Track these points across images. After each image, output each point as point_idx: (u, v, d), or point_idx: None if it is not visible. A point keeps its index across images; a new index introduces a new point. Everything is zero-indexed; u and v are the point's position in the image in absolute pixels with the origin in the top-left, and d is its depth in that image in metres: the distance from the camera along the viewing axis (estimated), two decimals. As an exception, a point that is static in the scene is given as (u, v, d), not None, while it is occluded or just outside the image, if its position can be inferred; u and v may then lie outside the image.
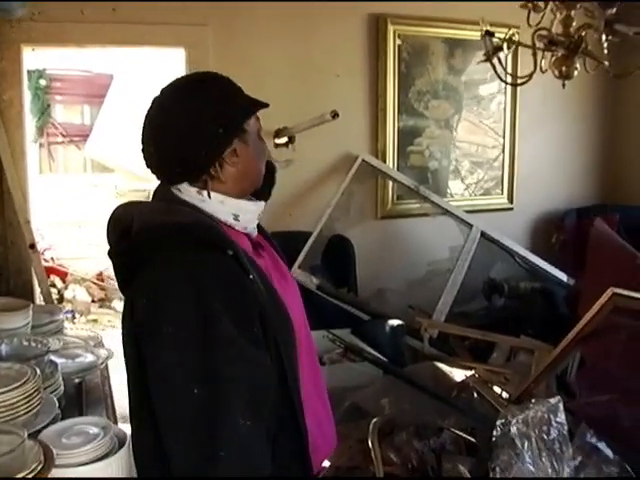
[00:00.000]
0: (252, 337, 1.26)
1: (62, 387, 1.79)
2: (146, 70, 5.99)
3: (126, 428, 1.53)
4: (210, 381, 1.19)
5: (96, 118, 7.63)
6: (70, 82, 8.01)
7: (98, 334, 2.29)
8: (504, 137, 4.06)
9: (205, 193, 1.37)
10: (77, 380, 1.92)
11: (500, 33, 2.55)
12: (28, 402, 1.49)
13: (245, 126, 1.38)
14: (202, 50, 3.31)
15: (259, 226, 1.52)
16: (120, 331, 1.36)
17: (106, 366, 2.11)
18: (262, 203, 1.46)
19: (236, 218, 1.40)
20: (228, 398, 1.20)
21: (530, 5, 2.40)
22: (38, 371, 1.58)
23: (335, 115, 2.93)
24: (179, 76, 1.46)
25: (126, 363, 1.33)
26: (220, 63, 3.28)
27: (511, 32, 2.45)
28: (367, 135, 3.69)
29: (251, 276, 1.27)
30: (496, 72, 2.53)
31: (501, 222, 3.91)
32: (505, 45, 2.42)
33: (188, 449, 1.18)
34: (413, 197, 3.69)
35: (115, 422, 1.81)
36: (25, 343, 1.80)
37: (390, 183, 3.71)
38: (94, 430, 1.56)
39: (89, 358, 2.01)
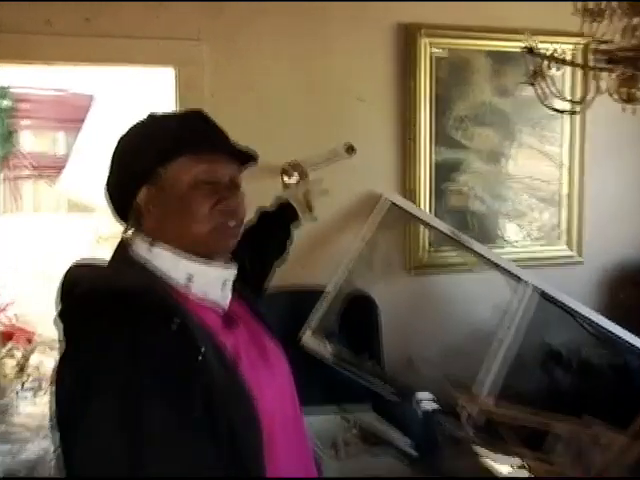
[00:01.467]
0: (192, 426, 1.30)
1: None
2: (132, 90, 6.13)
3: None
4: (132, 472, 1.23)
5: (72, 147, 7.77)
6: (41, 103, 8.05)
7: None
8: (569, 170, 4.08)
9: (155, 248, 1.48)
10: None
11: (560, 43, 2.59)
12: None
13: (161, 171, 1.50)
14: (195, 70, 3.43)
15: (238, 289, 1.61)
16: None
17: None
18: (228, 270, 1.56)
19: (189, 280, 1.48)
20: None
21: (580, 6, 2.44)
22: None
23: (350, 149, 2.99)
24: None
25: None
26: (217, 85, 3.43)
27: (554, 47, 2.50)
28: (395, 171, 3.77)
29: (201, 356, 1.33)
30: (539, 97, 2.59)
31: (564, 276, 3.93)
32: (545, 64, 2.47)
33: None
34: (451, 246, 3.73)
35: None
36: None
37: (423, 229, 3.76)
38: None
39: (38, 448, 2.02)
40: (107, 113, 7.03)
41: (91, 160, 7.14)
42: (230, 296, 1.59)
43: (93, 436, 1.25)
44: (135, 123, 1.60)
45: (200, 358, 1.33)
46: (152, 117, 1.61)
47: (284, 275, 3.45)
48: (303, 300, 3.46)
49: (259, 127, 3.44)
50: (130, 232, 1.53)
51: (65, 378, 1.31)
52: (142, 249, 1.50)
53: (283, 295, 3.32)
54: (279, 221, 2.49)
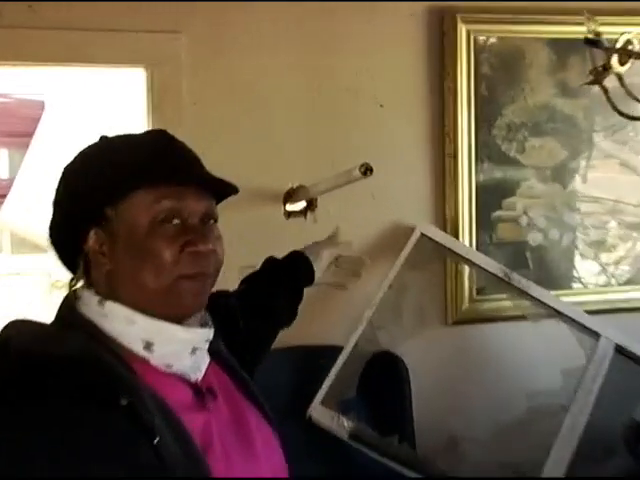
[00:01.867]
0: None
1: None
2: (94, 97, 6.15)
3: None
4: None
5: (19, 168, 7.84)
6: None
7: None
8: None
9: (107, 305, 1.54)
10: None
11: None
12: None
13: (110, 211, 1.56)
14: (172, 70, 3.49)
15: (221, 355, 1.73)
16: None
17: None
18: (201, 333, 1.63)
19: (148, 347, 1.54)
20: None
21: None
22: None
23: (367, 170, 3.04)
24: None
25: None
26: (199, 89, 3.51)
27: (625, 36, 2.55)
28: (428, 196, 3.84)
29: (156, 439, 1.38)
30: (609, 99, 2.68)
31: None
32: (615, 58, 2.53)
33: None
34: (503, 290, 3.75)
35: None
36: None
37: (466, 269, 3.84)
38: None
39: None
40: (62, 125, 6.98)
41: (42, 185, 7.14)
42: (205, 365, 1.66)
43: None
44: (83, 149, 1.67)
45: (156, 441, 1.37)
46: (103, 141, 1.68)
47: (292, 330, 3.52)
48: (311, 361, 3.57)
49: (254, 143, 3.55)
50: (78, 284, 1.61)
51: None
52: (91, 306, 1.56)
53: (286, 354, 3.41)
54: (292, 278, 2.56)
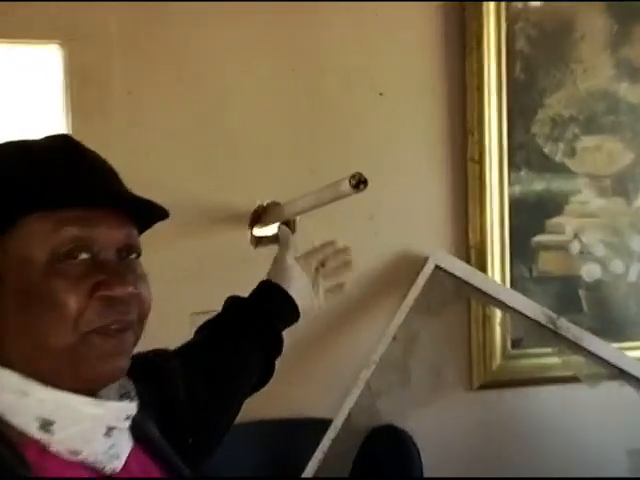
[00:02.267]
0: None
1: None
2: None
3: None
4: None
5: None
6: None
7: None
8: None
9: None
10: None
11: None
12: None
13: (7, 241, 1.49)
14: (98, 48, 3.46)
15: (145, 439, 1.68)
16: None
17: None
18: (119, 409, 1.57)
19: (46, 428, 1.46)
20: None
21: None
22: None
23: (360, 183, 3.03)
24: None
25: None
26: (135, 73, 3.49)
27: None
28: (445, 215, 3.85)
29: None
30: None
31: None
32: None
33: None
34: (547, 342, 3.75)
35: None
36: None
37: (497, 313, 3.83)
38: None
39: None
40: None
41: None
42: (127, 452, 1.59)
43: None
44: None
45: None
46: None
47: (262, 397, 3.54)
48: (296, 435, 3.58)
49: (209, 147, 3.55)
50: None
51: None
52: None
53: (256, 430, 3.45)
54: (263, 318, 2.49)
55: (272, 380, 3.55)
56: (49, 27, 3.45)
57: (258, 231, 3.62)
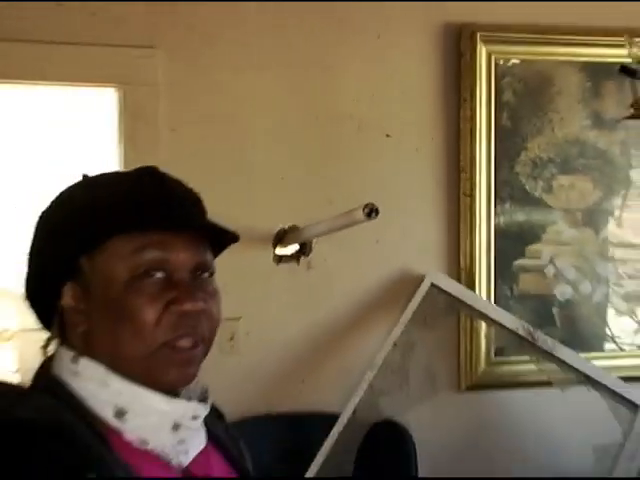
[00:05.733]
0: None
1: None
2: (56, 119, 6.17)
3: None
4: None
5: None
6: None
7: None
8: None
9: (81, 362, 1.48)
10: None
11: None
12: None
13: (84, 263, 1.50)
14: (146, 91, 3.46)
15: (216, 439, 1.64)
16: None
17: None
18: (188, 407, 1.52)
19: (120, 416, 1.46)
20: None
21: None
22: None
23: (372, 212, 3.00)
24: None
25: None
26: (177, 113, 3.47)
27: None
28: (440, 241, 3.79)
29: None
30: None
31: None
32: None
33: None
34: (525, 352, 3.68)
35: None
36: None
37: (483, 326, 3.76)
38: None
39: None
40: (15, 152, 6.98)
41: None
42: (197, 449, 1.56)
43: None
44: (62, 190, 1.60)
45: None
46: (83, 181, 1.61)
47: (277, 393, 3.52)
48: (305, 429, 3.53)
49: (240, 177, 3.52)
50: (53, 343, 1.54)
51: None
52: (63, 363, 1.51)
53: (275, 422, 3.43)
54: None
55: (288, 379, 3.56)
56: (107, 73, 3.45)
57: (280, 250, 3.58)
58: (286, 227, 3.55)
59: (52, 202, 1.60)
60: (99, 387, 1.47)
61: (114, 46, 3.41)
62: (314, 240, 3.56)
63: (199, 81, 3.53)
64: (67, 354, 1.50)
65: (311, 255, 3.60)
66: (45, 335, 1.61)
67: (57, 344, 1.55)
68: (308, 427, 3.53)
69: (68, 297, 1.51)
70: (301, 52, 3.62)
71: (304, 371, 3.66)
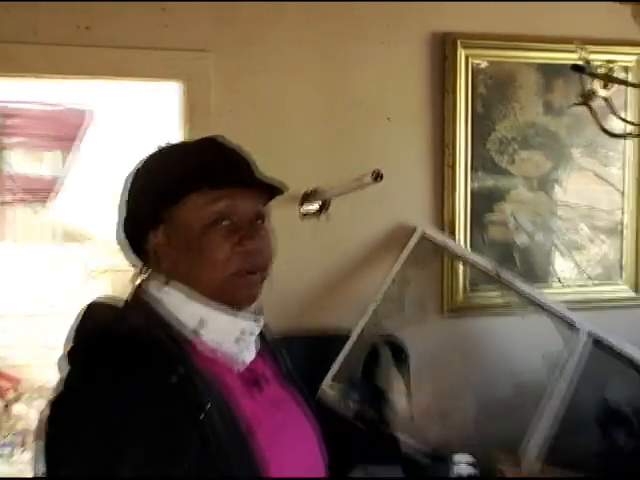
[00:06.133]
0: None
1: None
2: (134, 106, 6.18)
3: None
4: None
5: (67, 168, 7.77)
6: (33, 119, 8.00)
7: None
8: (626, 196, 4.08)
9: (170, 284, 1.53)
10: None
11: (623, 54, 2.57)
12: None
13: (173, 211, 1.55)
14: (202, 85, 3.47)
15: (264, 339, 1.67)
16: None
17: None
18: (250, 321, 1.57)
19: (200, 326, 1.51)
20: None
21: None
22: None
23: (378, 176, 3.00)
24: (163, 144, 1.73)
25: None
26: (225, 102, 3.47)
27: (608, 65, 2.53)
28: (429, 200, 3.79)
29: (203, 415, 1.36)
30: (597, 120, 2.61)
31: (623, 321, 3.89)
32: (599, 83, 2.50)
33: None
34: (493, 285, 3.73)
35: None
36: None
37: (460, 266, 3.79)
38: None
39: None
40: (106, 131, 7.00)
41: (88, 183, 7.15)
42: (251, 356, 1.60)
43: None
44: (147, 156, 1.65)
45: (202, 417, 1.36)
46: (163, 149, 1.66)
47: (303, 318, 3.53)
48: (323, 346, 3.49)
49: (275, 151, 3.46)
50: (145, 272, 1.59)
51: (56, 417, 1.37)
52: (154, 288, 1.55)
53: (301, 340, 3.36)
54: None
55: (310, 306, 3.56)
56: (173, 72, 3.45)
57: (305, 208, 3.58)
58: (310, 190, 3.55)
59: (138, 166, 1.65)
60: (184, 304, 1.51)
61: (179, 50, 3.44)
62: (332, 199, 3.56)
63: (241, 77, 3.54)
64: (158, 280, 1.56)
65: (329, 211, 3.59)
66: (131, 272, 1.67)
67: (146, 275, 1.59)
68: (327, 344, 3.51)
69: (159, 237, 1.57)
70: (322, 54, 3.63)
71: (322, 301, 3.68)
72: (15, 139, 8.22)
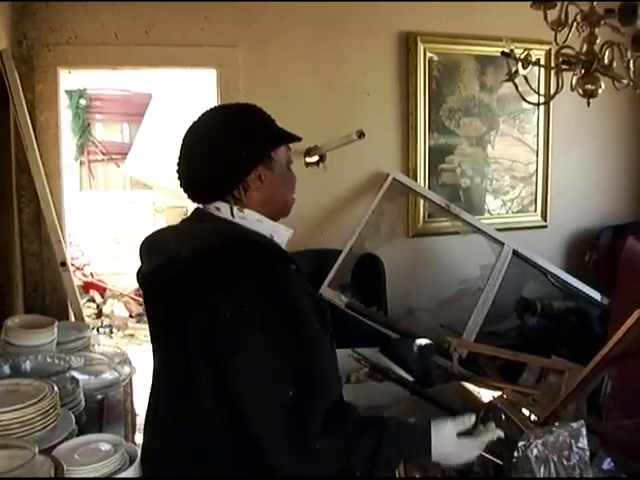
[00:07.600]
0: (329, 337, 1.41)
1: (82, 403, 1.83)
2: (183, 89, 6.10)
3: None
4: (303, 382, 1.29)
5: (135, 136, 7.73)
6: (110, 101, 8.10)
7: (124, 351, 2.32)
8: (538, 153, 4.02)
9: (246, 211, 1.43)
10: (99, 397, 1.96)
11: (535, 49, 2.56)
12: (44, 418, 1.53)
13: (273, 154, 1.45)
14: (233, 71, 3.38)
15: None
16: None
17: (130, 382, 2.14)
18: (291, 230, 1.52)
19: (272, 236, 1.46)
20: (320, 394, 1.31)
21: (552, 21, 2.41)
22: (56, 388, 1.63)
23: (361, 135, 2.95)
24: (219, 105, 1.62)
25: (177, 373, 1.40)
26: (250, 83, 3.38)
27: (526, 52, 2.47)
28: (398, 153, 3.71)
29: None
30: (519, 92, 2.55)
31: (534, 240, 3.87)
32: (520, 65, 2.45)
33: (286, 449, 1.28)
34: (444, 215, 3.68)
35: (133, 439, 1.83)
36: (49, 360, 1.85)
37: (421, 201, 3.72)
38: (107, 447, 1.59)
39: (112, 375, 2.05)
40: (163, 108, 7.00)
41: (149, 147, 7.13)
42: None
43: (268, 351, 1.29)
44: (214, 116, 1.49)
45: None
46: (245, 109, 1.52)
47: (307, 239, 3.46)
48: (322, 259, 3.43)
49: (285, 118, 3.31)
50: (216, 204, 1.45)
51: (229, 314, 1.30)
52: (228, 213, 1.44)
53: (306, 254, 3.30)
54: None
55: (312, 230, 3.51)
56: (211, 61, 3.38)
57: (308, 159, 3.50)
58: (312, 145, 3.45)
59: (215, 122, 1.48)
60: (258, 224, 1.44)
61: (215, 46, 3.35)
62: (327, 153, 3.47)
63: (261, 65, 3.44)
64: (235, 207, 1.44)
65: (326, 162, 3.50)
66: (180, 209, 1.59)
67: (222, 204, 1.45)
68: (325, 257, 3.43)
69: (258, 174, 1.44)
70: (320, 48, 3.54)
71: (323, 226, 3.62)
72: (99, 116, 8.25)
